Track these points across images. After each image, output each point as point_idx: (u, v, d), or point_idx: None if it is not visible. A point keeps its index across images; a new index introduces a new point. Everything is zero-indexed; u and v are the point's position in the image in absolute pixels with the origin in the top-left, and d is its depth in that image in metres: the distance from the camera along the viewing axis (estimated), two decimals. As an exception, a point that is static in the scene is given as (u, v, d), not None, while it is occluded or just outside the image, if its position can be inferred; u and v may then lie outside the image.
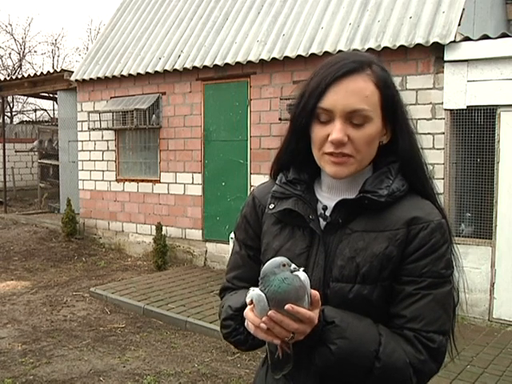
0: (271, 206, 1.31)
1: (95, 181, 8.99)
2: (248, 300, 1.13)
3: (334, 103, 1.19)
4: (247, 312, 1.14)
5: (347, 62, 1.21)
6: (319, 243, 1.25)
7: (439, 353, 1.19)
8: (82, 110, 9.06)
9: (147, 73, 7.87)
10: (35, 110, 21.25)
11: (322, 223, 1.27)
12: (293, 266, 1.11)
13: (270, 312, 1.07)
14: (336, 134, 1.18)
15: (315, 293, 1.11)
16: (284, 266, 1.10)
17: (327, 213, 1.27)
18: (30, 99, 21.21)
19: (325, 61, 1.25)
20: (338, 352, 1.13)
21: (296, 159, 1.32)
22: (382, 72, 1.23)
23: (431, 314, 1.18)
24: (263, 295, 1.10)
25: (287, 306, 1.06)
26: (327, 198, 1.29)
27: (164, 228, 7.71)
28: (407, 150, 1.25)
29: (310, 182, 1.32)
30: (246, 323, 1.17)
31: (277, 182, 1.34)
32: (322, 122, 1.21)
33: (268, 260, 1.14)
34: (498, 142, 5.26)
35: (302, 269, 1.13)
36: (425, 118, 5.63)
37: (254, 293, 1.12)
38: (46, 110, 20.14)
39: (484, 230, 5.39)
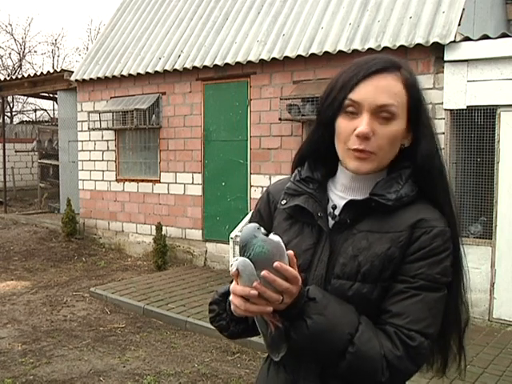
0: (283, 202, 1.36)
1: (95, 181, 8.99)
2: (233, 270, 1.12)
3: (364, 96, 1.22)
4: (234, 287, 1.14)
5: (379, 61, 1.25)
6: (325, 241, 1.28)
7: (418, 353, 1.18)
8: (82, 110, 9.06)
9: (147, 73, 7.87)
10: (35, 110, 21.26)
11: (331, 222, 1.29)
12: (262, 229, 1.13)
13: (263, 272, 1.08)
14: (363, 126, 1.21)
15: (292, 253, 1.14)
16: (259, 228, 1.12)
17: (336, 212, 1.29)
18: (30, 99, 21.22)
19: (355, 60, 1.29)
20: (313, 327, 1.15)
21: (317, 151, 1.35)
22: (410, 76, 1.26)
23: (417, 313, 1.19)
24: (248, 260, 1.10)
25: (276, 264, 1.08)
26: (340, 197, 1.32)
27: (164, 228, 7.71)
28: (427, 155, 1.26)
29: (324, 181, 1.35)
30: (232, 307, 1.17)
31: (291, 179, 1.38)
32: (348, 114, 1.24)
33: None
34: (498, 142, 5.26)
35: (272, 233, 1.16)
36: (425, 118, 5.62)
37: (238, 261, 1.11)
38: (46, 110, 20.15)
39: (484, 230, 5.39)
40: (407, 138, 1.28)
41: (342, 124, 1.25)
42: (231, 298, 1.16)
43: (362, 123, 1.21)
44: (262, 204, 1.46)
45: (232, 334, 1.35)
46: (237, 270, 1.11)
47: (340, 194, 1.32)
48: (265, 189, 1.50)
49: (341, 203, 1.29)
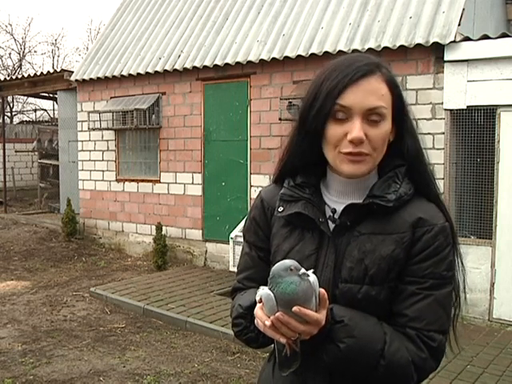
0: (280, 209, 1.33)
1: (95, 181, 8.99)
2: (257, 298, 1.16)
3: (354, 101, 1.21)
4: (257, 310, 1.17)
5: (361, 64, 1.24)
6: (328, 245, 1.28)
7: (439, 351, 1.23)
8: (82, 110, 9.06)
9: (147, 73, 7.87)
10: (35, 110, 21.26)
11: (331, 225, 1.30)
12: (302, 270, 1.11)
13: (277, 314, 1.09)
14: (356, 132, 1.20)
15: (323, 293, 1.13)
16: (292, 270, 1.11)
17: (336, 216, 1.30)
18: (30, 99, 21.22)
19: (335, 63, 1.27)
20: (347, 350, 1.17)
21: (308, 161, 1.33)
22: (389, 73, 1.27)
23: (432, 314, 1.22)
24: (272, 295, 1.12)
25: (295, 309, 1.08)
26: (335, 201, 1.32)
27: (164, 228, 7.71)
28: (414, 149, 1.29)
29: (318, 185, 1.34)
30: (255, 321, 1.20)
31: (285, 184, 1.35)
32: (338, 120, 1.22)
33: (278, 262, 1.16)
34: (498, 142, 5.26)
35: (311, 271, 1.14)
36: (425, 118, 5.63)
37: (264, 292, 1.14)
38: (46, 110, 20.14)
39: (484, 230, 5.39)
40: (391, 133, 1.29)
41: (332, 130, 1.23)
42: (255, 313, 1.18)
43: (355, 128, 1.20)
44: (256, 212, 1.42)
45: (262, 345, 1.33)
46: (260, 299, 1.15)
47: (335, 199, 1.32)
48: (256, 196, 1.46)
49: (338, 207, 1.29)
